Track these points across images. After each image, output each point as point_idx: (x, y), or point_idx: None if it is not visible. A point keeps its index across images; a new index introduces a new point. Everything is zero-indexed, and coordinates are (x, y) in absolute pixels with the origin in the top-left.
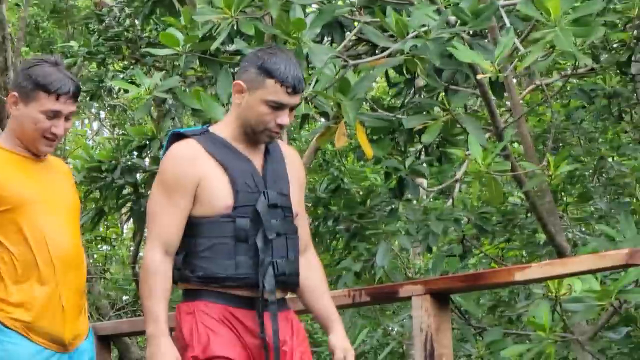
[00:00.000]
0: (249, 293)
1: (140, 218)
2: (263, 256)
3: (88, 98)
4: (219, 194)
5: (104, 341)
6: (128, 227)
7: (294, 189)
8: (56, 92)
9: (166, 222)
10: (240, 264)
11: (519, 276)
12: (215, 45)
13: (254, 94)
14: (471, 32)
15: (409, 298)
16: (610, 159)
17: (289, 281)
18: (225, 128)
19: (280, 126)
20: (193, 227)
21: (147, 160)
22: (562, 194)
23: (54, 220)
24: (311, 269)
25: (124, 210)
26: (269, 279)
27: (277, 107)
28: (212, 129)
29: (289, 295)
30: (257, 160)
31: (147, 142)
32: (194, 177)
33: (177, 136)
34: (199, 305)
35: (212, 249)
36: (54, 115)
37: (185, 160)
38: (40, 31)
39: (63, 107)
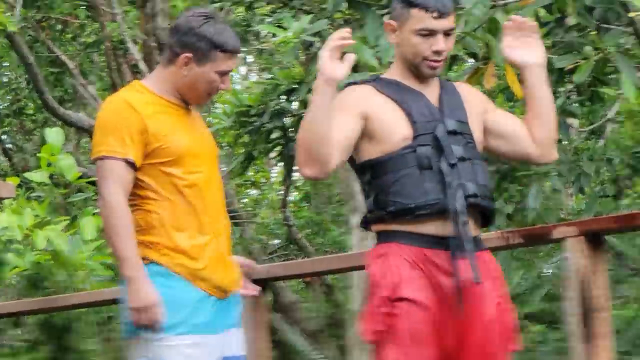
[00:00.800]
0: (442, 229)
1: (289, 162)
2: (450, 179)
3: None
4: (396, 125)
5: (258, 285)
6: (277, 171)
7: (474, 119)
8: (232, 51)
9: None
10: (429, 190)
11: None
12: None
13: (404, 28)
14: None
15: (562, 240)
16: None
17: (482, 204)
18: (393, 71)
19: (437, 52)
20: (377, 167)
21: (295, 104)
22: None
23: (206, 169)
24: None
25: (272, 154)
26: (459, 200)
27: (428, 34)
28: (383, 75)
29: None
30: (431, 94)
31: (296, 86)
32: (361, 106)
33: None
34: (391, 247)
35: (399, 182)
36: (226, 73)
37: (354, 93)
38: None
39: (234, 65)
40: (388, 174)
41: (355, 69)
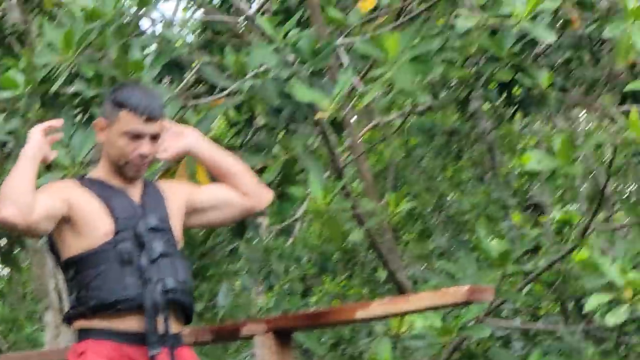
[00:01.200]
0: (141, 325)
1: None
2: (149, 275)
3: None
4: (98, 221)
5: None
6: None
7: (175, 215)
8: None
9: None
10: (128, 285)
11: (360, 314)
12: (55, 87)
13: (112, 128)
14: (310, 71)
15: (251, 337)
16: (450, 196)
17: (181, 299)
18: (99, 170)
19: (142, 156)
20: (80, 263)
21: None
22: (403, 231)
23: None
24: None
25: None
26: (157, 296)
27: (135, 136)
28: (87, 175)
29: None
30: (134, 193)
31: None
32: (65, 194)
33: None
34: (90, 344)
35: (100, 277)
36: None
37: (58, 184)
38: None
39: None
40: (90, 269)
41: (48, 168)
